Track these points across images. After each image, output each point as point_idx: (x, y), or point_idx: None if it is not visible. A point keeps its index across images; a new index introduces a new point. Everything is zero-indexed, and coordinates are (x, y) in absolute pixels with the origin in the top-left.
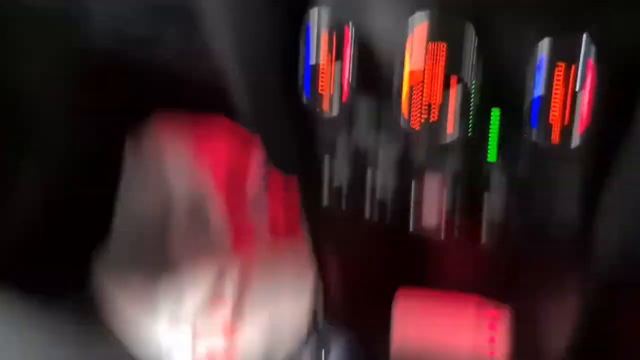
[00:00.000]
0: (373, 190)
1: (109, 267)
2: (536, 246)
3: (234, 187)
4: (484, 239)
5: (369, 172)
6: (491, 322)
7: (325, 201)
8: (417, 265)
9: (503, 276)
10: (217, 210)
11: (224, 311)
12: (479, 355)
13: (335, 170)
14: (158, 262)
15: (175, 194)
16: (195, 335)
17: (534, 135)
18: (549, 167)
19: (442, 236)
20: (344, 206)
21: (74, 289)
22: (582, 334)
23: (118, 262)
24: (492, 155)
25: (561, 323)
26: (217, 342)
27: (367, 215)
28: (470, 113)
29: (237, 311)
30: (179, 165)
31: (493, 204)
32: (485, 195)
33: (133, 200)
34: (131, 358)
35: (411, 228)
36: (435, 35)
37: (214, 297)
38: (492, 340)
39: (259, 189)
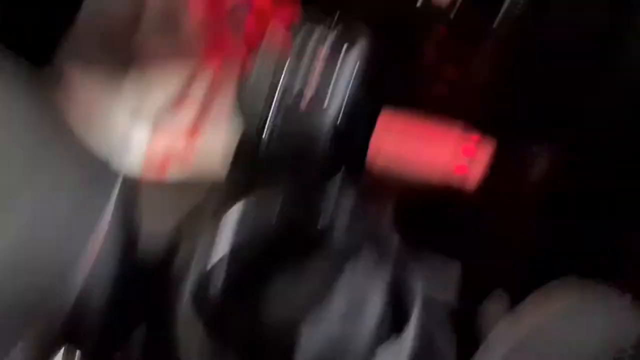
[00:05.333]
0: None
1: (73, 53)
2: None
3: None
4: (495, 26)
5: None
6: (470, 146)
7: None
8: (415, 51)
9: (497, 92)
10: (193, 14)
11: (188, 113)
12: (450, 173)
13: None
14: (125, 56)
15: None
16: (155, 132)
17: None
18: None
19: (452, 15)
20: None
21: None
22: None
23: (83, 50)
24: None
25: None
26: (176, 143)
27: None
28: None
29: (202, 116)
30: None
31: None
32: None
33: None
34: (86, 152)
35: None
36: None
37: (180, 98)
38: (466, 163)
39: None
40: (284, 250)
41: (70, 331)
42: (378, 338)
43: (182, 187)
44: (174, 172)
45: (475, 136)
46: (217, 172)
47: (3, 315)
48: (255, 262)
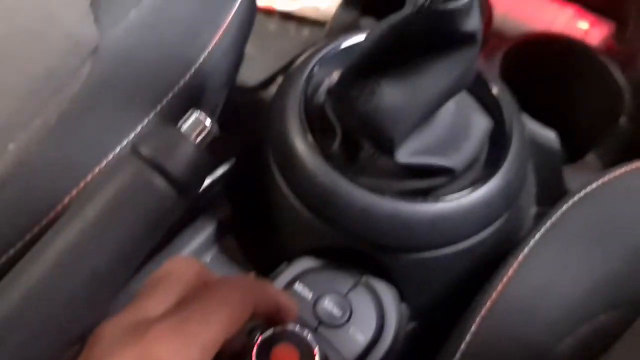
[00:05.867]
0: None
1: None
2: None
3: None
4: None
5: None
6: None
7: None
8: None
9: None
10: None
11: None
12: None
13: None
14: None
15: None
16: None
17: None
18: None
19: None
20: None
21: None
22: None
23: None
24: None
25: None
26: None
27: None
28: None
29: None
30: None
31: None
32: None
33: None
34: None
35: None
36: None
37: None
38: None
39: None
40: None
41: (196, 98)
42: (478, 155)
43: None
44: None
45: (589, 18)
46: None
47: (138, 81)
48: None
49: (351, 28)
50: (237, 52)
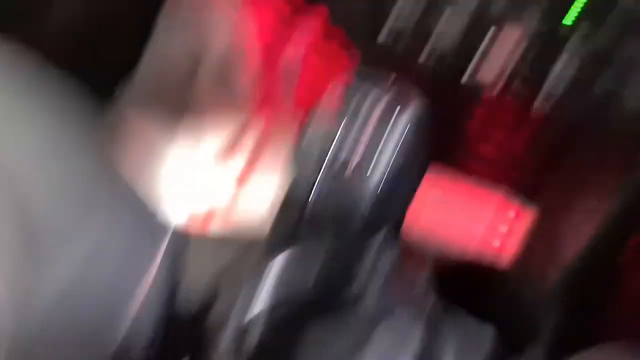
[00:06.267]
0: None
1: (131, 100)
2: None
3: (271, 51)
4: (536, 107)
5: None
6: (509, 220)
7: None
8: (460, 118)
9: (538, 164)
10: (248, 70)
11: (237, 163)
12: (485, 248)
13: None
14: (179, 107)
15: (211, 44)
16: (201, 185)
17: None
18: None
19: (495, 93)
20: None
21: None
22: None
23: (140, 97)
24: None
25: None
26: (221, 197)
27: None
28: None
29: (250, 167)
30: (221, 16)
31: (559, 73)
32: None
33: (166, 41)
34: (139, 199)
35: (465, 79)
36: None
37: (230, 148)
38: (504, 236)
39: (295, 59)
40: (318, 310)
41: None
42: None
43: (224, 240)
44: (216, 228)
45: (515, 206)
46: (259, 229)
47: (56, 349)
48: (290, 320)
49: (288, 242)
50: (167, 304)
